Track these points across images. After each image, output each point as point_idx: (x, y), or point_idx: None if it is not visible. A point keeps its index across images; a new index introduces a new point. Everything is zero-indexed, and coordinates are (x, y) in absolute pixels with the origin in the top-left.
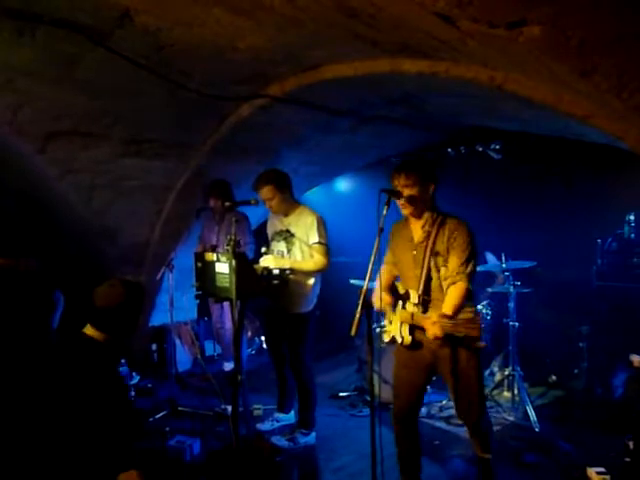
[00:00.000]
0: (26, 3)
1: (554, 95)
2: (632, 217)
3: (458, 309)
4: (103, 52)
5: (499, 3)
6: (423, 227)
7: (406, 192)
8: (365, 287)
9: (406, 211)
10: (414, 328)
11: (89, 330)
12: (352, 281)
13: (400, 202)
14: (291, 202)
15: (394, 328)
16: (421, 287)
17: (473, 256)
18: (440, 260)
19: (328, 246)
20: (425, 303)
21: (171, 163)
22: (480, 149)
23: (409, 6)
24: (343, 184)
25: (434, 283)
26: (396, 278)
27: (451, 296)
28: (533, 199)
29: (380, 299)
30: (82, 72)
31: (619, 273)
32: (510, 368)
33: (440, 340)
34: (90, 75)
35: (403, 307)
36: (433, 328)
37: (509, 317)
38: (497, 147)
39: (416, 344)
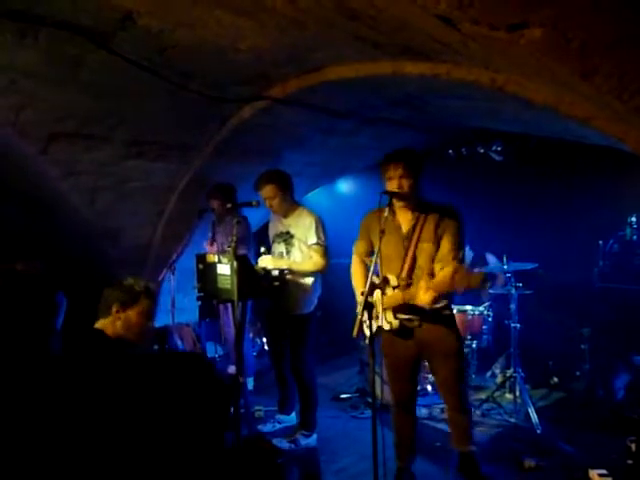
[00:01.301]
0: (28, 5)
1: (555, 97)
2: (634, 219)
3: (445, 289)
4: (105, 54)
5: (500, 5)
6: (412, 215)
7: (403, 181)
8: (367, 288)
9: (401, 203)
10: (397, 312)
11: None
12: None
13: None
14: (291, 203)
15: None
16: (404, 271)
17: (462, 241)
18: (428, 246)
19: (327, 247)
20: (407, 286)
21: (173, 165)
22: (481, 150)
23: (410, 8)
24: (344, 186)
25: (418, 269)
26: (367, 267)
27: (442, 276)
28: (534, 200)
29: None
30: (84, 74)
31: (621, 275)
32: (512, 370)
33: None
34: (92, 77)
35: (383, 294)
36: (425, 295)
37: (510, 319)
38: (498, 148)
39: (402, 332)
